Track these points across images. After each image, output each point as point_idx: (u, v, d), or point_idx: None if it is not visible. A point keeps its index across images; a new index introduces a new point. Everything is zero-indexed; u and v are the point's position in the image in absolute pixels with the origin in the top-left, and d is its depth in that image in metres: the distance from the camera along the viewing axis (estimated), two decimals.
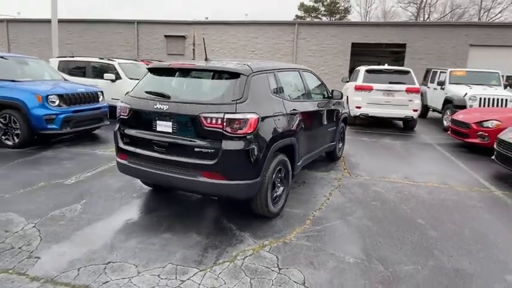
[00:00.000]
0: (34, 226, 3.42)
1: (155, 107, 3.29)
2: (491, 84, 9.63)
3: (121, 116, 3.65)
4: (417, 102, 8.69)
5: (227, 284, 2.60)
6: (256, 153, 3.17)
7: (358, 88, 8.61)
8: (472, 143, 6.83)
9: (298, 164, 4.14)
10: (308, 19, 41.70)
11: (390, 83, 8.66)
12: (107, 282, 2.59)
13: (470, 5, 38.39)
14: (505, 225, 3.79)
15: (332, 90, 5.30)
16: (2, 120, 6.31)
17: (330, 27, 21.31)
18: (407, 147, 7.47)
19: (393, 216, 3.87)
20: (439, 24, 21.58)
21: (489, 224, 3.79)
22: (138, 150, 3.48)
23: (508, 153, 5.13)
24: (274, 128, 3.43)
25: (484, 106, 8.60)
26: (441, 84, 10.10)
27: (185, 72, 3.56)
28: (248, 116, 3.10)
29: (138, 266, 2.80)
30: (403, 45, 19.46)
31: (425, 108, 11.23)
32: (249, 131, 3.10)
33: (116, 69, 9.59)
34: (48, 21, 13.52)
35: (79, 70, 10.14)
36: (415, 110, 8.68)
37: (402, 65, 17.97)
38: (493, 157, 5.57)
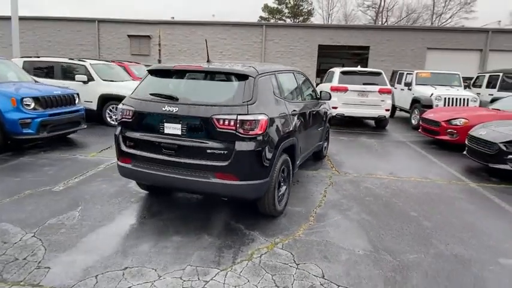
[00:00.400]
0: (34, 236, 3.27)
1: (164, 109, 3.27)
2: (453, 85, 10.41)
3: (123, 119, 3.57)
4: (389, 102, 9.21)
5: (251, 282, 2.67)
6: (267, 153, 3.26)
7: (334, 89, 8.94)
8: (442, 139, 7.37)
9: (297, 163, 4.28)
10: (272, 20, 42.28)
11: (364, 84, 9.09)
12: (129, 287, 2.56)
13: (423, 10, 40.99)
14: (486, 214, 4.16)
15: (320, 92, 5.50)
16: None
17: (297, 29, 21.82)
18: (383, 145, 7.89)
19: (388, 210, 4.12)
20: (400, 28, 22.85)
21: (473, 213, 4.15)
22: (145, 154, 3.43)
23: (478, 147, 5.62)
24: (280, 128, 3.53)
25: (448, 105, 9.29)
26: (408, 85, 10.75)
27: (191, 74, 3.57)
28: (259, 117, 3.17)
29: (157, 270, 2.78)
30: (367, 48, 20.40)
31: (393, 108, 11.85)
32: (260, 132, 3.17)
33: (87, 70, 9.21)
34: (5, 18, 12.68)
35: (46, 71, 9.60)
36: (387, 110, 9.19)
37: (366, 67, 18.84)
38: (464, 152, 6.07)
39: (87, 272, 2.73)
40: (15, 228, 3.40)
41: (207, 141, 3.19)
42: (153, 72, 3.72)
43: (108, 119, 9.14)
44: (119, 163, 3.68)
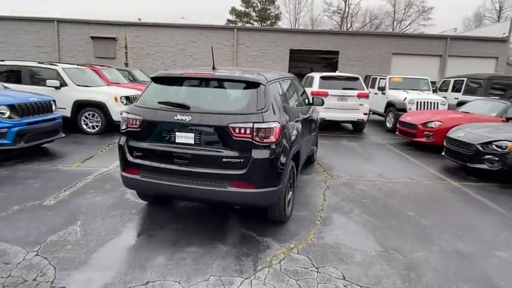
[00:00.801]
0: (37, 254, 3.09)
1: (176, 118, 3.22)
2: (422, 89, 11.05)
3: (129, 129, 3.47)
4: (367, 106, 9.60)
5: None
6: (280, 160, 3.31)
7: (315, 94, 9.16)
8: (419, 141, 7.80)
9: (299, 168, 4.37)
10: (240, 24, 42.46)
11: (343, 88, 9.41)
12: None
13: (385, 16, 43.06)
14: (473, 210, 4.48)
15: (312, 97, 5.65)
16: None
17: (269, 33, 22.08)
18: (365, 147, 8.21)
19: (386, 211, 4.31)
20: (367, 34, 23.83)
21: (462, 210, 4.46)
22: (154, 164, 3.35)
23: (456, 149, 6.02)
24: (290, 135, 3.60)
25: (420, 109, 9.84)
26: (382, 89, 11.27)
27: (199, 81, 3.54)
28: (273, 124, 3.22)
29: (181, 282, 2.74)
30: (336, 52, 21.05)
31: None
32: (274, 140, 3.22)
33: (59, 75, 8.77)
34: None
35: (12, 75, 9.02)
36: (365, 114, 9.57)
37: (335, 71, 19.47)
38: (443, 153, 6.47)
39: None
40: (14, 247, 3.19)
41: (222, 150, 3.19)
42: (158, 80, 3.64)
43: (84, 127, 8.76)
44: (124, 174, 3.56)
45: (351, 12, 43.12)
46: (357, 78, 9.82)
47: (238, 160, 3.14)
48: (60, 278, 2.76)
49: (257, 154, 3.14)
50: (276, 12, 45.57)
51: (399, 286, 2.78)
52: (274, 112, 3.37)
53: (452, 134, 6.25)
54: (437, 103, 9.90)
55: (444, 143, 6.43)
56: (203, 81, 3.52)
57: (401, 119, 8.46)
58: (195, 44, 21.89)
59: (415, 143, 8.15)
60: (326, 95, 9.25)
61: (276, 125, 3.24)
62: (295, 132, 3.92)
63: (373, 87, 11.95)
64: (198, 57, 21.88)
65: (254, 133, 3.12)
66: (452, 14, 52.03)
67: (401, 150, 7.98)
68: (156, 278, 2.78)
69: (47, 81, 8.53)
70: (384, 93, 11.09)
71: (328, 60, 24.36)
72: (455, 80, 12.09)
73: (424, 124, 7.64)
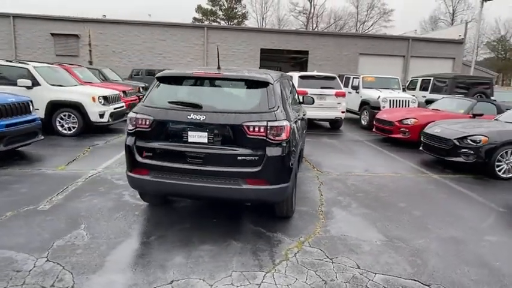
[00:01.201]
0: (48, 260, 2.99)
1: (189, 117, 3.23)
2: (393, 88, 11.65)
3: (137, 129, 3.43)
4: (344, 104, 9.98)
5: (299, 280, 2.82)
6: (291, 157, 3.43)
7: None
8: (395, 137, 8.25)
9: (299, 165, 4.51)
10: (206, 22, 42.10)
11: (322, 88, 9.71)
12: None
13: (349, 17, 44.56)
14: (456, 200, 4.86)
15: (303, 96, 5.82)
16: None
17: (240, 32, 22.15)
18: (345, 144, 8.55)
19: (380, 203, 4.57)
20: (335, 34, 24.58)
21: (446, 200, 4.82)
22: (166, 164, 3.34)
23: (434, 143, 6.47)
24: (296, 133, 3.74)
25: (392, 107, 10.38)
26: (356, 88, 11.74)
27: (208, 81, 3.56)
28: (284, 123, 3.33)
29: (205, 279, 2.79)
30: (306, 52, 21.57)
31: None
32: (285, 138, 3.33)
33: (31, 74, 8.31)
34: None
35: None
36: (342, 112, 9.95)
37: (305, 70, 19.94)
38: (420, 148, 6.92)
39: None
40: (20, 254, 3.07)
41: (237, 148, 3.25)
42: (165, 80, 3.62)
43: (60, 128, 8.36)
44: (132, 175, 3.51)
45: (316, 12, 44.26)
46: (334, 78, 10.17)
47: (253, 158, 3.22)
48: (79, 282, 2.70)
49: (271, 152, 3.24)
50: (243, 11, 45.74)
51: (410, 271, 3.00)
52: (282, 111, 3.48)
53: (429, 129, 6.70)
54: (408, 101, 10.51)
55: (421, 139, 6.87)
56: (211, 81, 3.55)
57: (378, 116, 8.90)
58: (164, 42, 21.47)
59: (391, 139, 8.61)
60: (305, 94, 9.49)
61: (286, 123, 3.35)
62: (299, 129, 4.06)
63: (346, 86, 12.42)
64: (167, 55, 21.49)
65: (268, 131, 3.21)
66: (410, 16, 55.11)
67: (379, 146, 8.40)
68: (180, 277, 2.80)
69: (18, 80, 8.05)
70: (357, 92, 11.57)
71: (296, 60, 24.86)
72: (422, 79, 12.88)
73: (400, 121, 8.10)
